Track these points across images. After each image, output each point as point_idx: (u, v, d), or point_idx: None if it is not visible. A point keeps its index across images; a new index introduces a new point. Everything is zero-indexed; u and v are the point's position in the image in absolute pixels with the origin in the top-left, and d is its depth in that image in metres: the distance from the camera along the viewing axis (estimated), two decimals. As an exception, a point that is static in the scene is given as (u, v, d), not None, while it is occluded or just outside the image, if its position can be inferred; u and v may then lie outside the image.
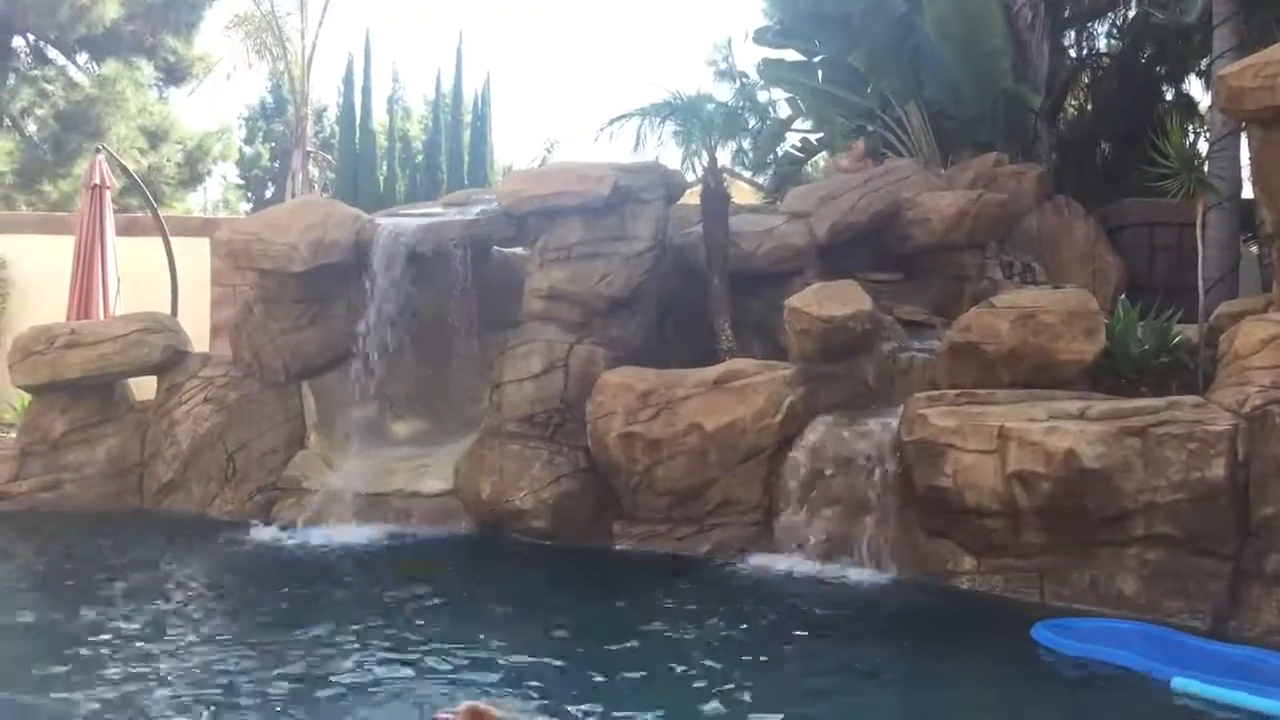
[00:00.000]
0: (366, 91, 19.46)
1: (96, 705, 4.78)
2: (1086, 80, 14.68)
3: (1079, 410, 6.84)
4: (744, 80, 15.45)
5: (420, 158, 21.18)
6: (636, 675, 5.28)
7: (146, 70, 22.20)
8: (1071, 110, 14.62)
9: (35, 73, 21.87)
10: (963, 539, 7.09)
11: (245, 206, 30.39)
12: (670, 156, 10.53)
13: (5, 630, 6.09)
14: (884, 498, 7.52)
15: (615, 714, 4.70)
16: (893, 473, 7.47)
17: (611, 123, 10.31)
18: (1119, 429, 6.56)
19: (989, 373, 7.65)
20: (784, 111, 14.50)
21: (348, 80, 19.53)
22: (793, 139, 14.57)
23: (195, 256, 13.38)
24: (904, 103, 12.21)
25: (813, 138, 14.29)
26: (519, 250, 10.03)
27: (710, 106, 10.30)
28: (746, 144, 14.37)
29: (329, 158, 22.28)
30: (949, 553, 7.15)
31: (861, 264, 9.85)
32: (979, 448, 6.87)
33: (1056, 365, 7.56)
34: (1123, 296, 9.01)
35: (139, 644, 5.70)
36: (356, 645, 5.73)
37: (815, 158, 14.86)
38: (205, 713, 4.72)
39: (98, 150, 13.48)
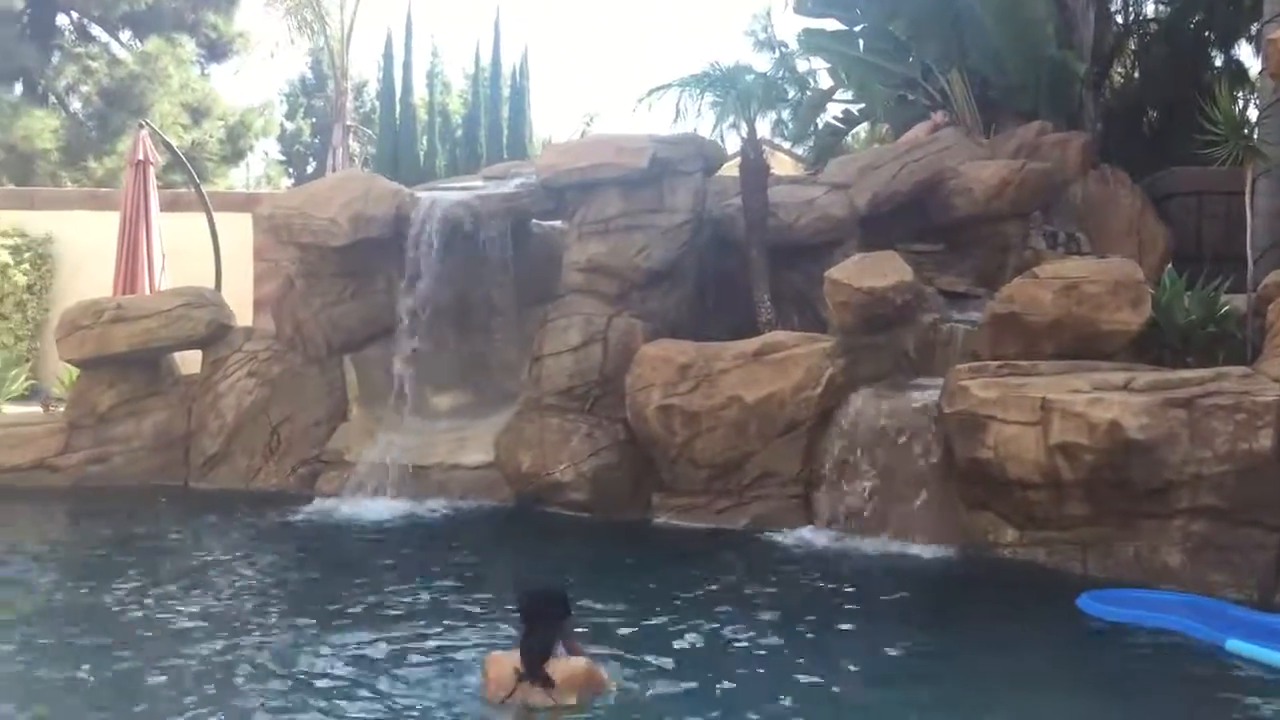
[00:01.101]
0: (406, 66, 19.49)
1: (153, 676, 4.88)
2: (1133, 46, 14.39)
3: (1124, 381, 6.75)
4: (783, 50, 15.28)
5: (459, 132, 21.21)
6: (681, 647, 5.28)
7: (188, 47, 22.37)
8: (1118, 77, 14.35)
9: (79, 50, 22.10)
10: (1004, 511, 7.05)
11: (287, 182, 30.61)
12: (709, 128, 10.44)
13: (59, 602, 6.22)
14: (924, 470, 7.48)
15: (659, 684, 4.71)
16: (933, 445, 7.42)
17: (650, 94, 10.27)
18: (1164, 400, 6.48)
19: (1032, 344, 7.56)
20: (824, 82, 14.33)
21: (387, 55, 19.56)
22: (833, 110, 14.42)
23: (238, 231, 13.54)
24: (946, 71, 12.04)
25: (854, 108, 14.14)
26: (558, 223, 10.02)
27: (749, 77, 10.21)
28: (786, 115, 14.25)
29: (369, 132, 22.36)
30: (990, 524, 7.10)
31: (902, 235, 9.76)
32: (1021, 419, 6.81)
33: (1101, 336, 7.47)
34: (1169, 266, 8.85)
35: (191, 614, 5.81)
36: (401, 615, 5.80)
37: (856, 128, 14.71)
38: (253, 678, 4.80)
39: (141, 126, 13.63)
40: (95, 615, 5.83)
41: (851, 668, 5.08)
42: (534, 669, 4.25)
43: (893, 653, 5.30)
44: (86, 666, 4.95)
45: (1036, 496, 6.84)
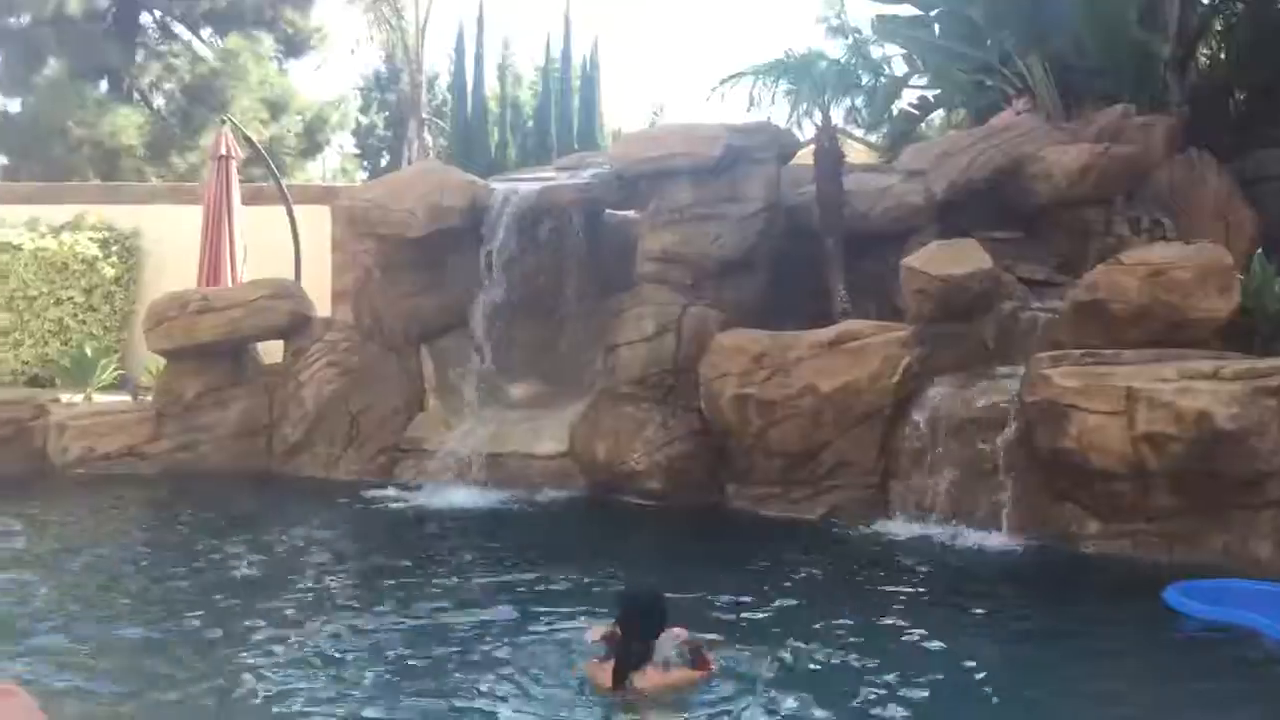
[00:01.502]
0: (478, 59, 19.67)
1: (245, 657, 5.00)
2: (1219, 27, 13.99)
3: (1212, 370, 6.60)
4: (857, 36, 15.13)
5: (530, 123, 21.36)
6: (763, 638, 5.25)
7: (267, 43, 22.78)
8: (1203, 59, 13.96)
9: (162, 48, 22.62)
10: (1088, 502, 6.93)
11: (362, 175, 31.02)
12: (783, 116, 10.41)
13: (152, 586, 6.40)
14: (1004, 460, 7.36)
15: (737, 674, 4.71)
16: (1014, 435, 7.32)
17: (723, 83, 10.29)
18: (1255, 389, 6.32)
19: (1116, 332, 7.41)
20: (899, 68, 14.15)
21: (459, 48, 19.77)
22: (908, 96, 14.23)
23: (316, 224, 13.76)
24: (1025, 55, 11.81)
25: (929, 94, 13.94)
26: (631, 213, 10.04)
27: (823, 64, 10.18)
28: (859, 102, 14.09)
29: (443, 124, 22.61)
30: (1073, 516, 6.99)
31: (980, 222, 9.58)
32: (1106, 409, 6.68)
33: (1188, 324, 7.30)
34: (1258, 251, 8.61)
35: (281, 600, 5.94)
36: (484, 601, 5.87)
37: (931, 115, 14.51)
38: (343, 662, 4.90)
39: (223, 122, 13.94)
40: (200, 596, 6.00)
41: (926, 661, 5.00)
42: (619, 679, 4.23)
43: (968, 643, 5.23)
44: (195, 655, 5.09)
45: (1121, 488, 6.71)
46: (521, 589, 6.10)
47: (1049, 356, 7.29)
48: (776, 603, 5.84)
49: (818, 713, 4.30)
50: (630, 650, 4.26)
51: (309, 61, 24.78)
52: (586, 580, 6.28)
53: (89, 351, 13.02)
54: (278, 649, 5.09)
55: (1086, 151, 9.67)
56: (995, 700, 4.56)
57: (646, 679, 4.21)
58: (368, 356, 10.03)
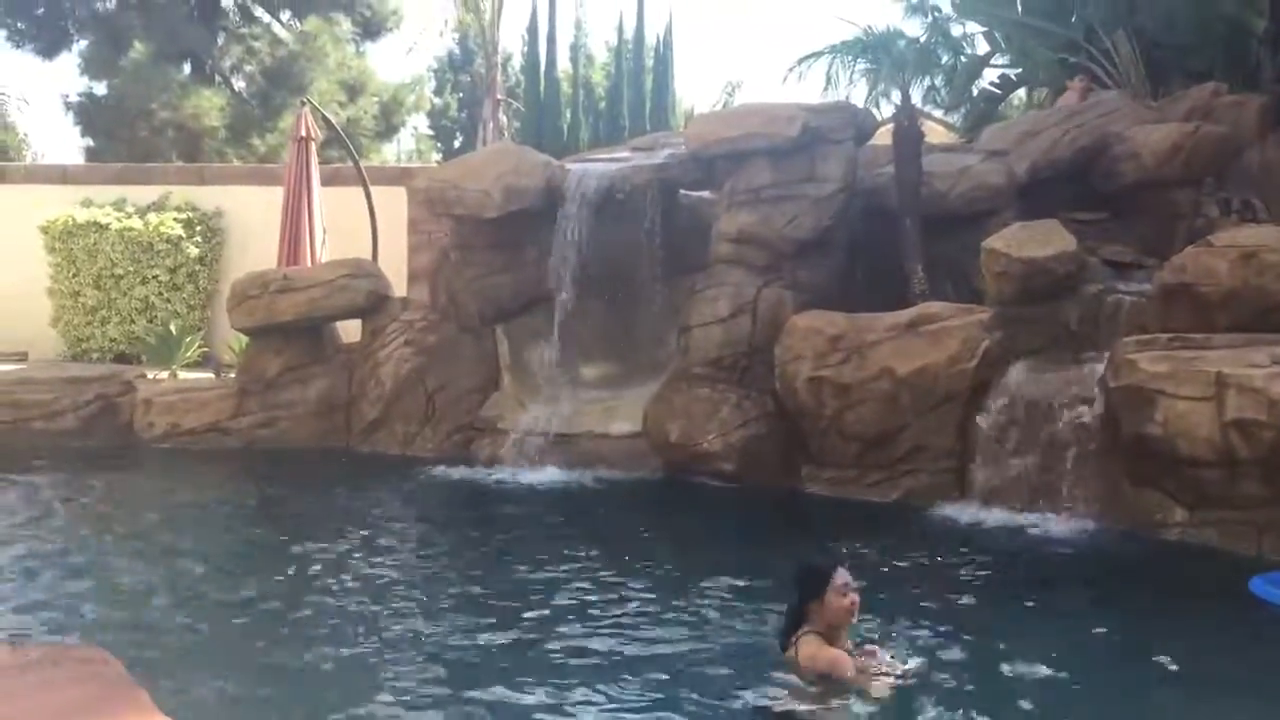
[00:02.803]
0: (551, 39, 19.68)
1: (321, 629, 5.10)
2: (1316, 1, 13.54)
3: (1306, 356, 6.40)
4: (936, 14, 14.86)
5: (603, 104, 21.34)
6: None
7: (344, 25, 23.05)
8: (1298, 35, 13.53)
9: (243, 31, 22.99)
10: (1173, 489, 6.78)
11: (436, 157, 31.30)
12: (861, 96, 10.31)
13: (233, 557, 6.56)
14: (1087, 446, 7.24)
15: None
16: (1097, 420, 7.18)
17: (800, 62, 10.17)
18: (1352, 376, 6.12)
19: (1205, 316, 7.23)
20: (980, 46, 13.91)
21: (532, 29, 19.79)
22: (989, 75, 14.00)
23: (392, 205, 13.91)
24: (1111, 31, 11.54)
25: (1011, 73, 13.69)
26: (706, 194, 10.01)
27: (902, 43, 9.99)
28: (939, 82, 13.86)
29: (516, 104, 22.71)
30: (1158, 503, 6.85)
31: (1064, 203, 9.39)
32: (1194, 395, 6.53)
33: (1280, 308, 7.08)
34: (1355, 234, 8.32)
35: (364, 575, 6.07)
36: (566, 578, 5.94)
37: (1013, 94, 14.25)
38: (424, 634, 4.98)
39: (303, 104, 14.14)
40: (295, 565, 6.16)
41: (1006, 651, 4.90)
42: (783, 639, 4.34)
43: (1049, 631, 5.16)
44: (277, 625, 5.20)
45: (1209, 475, 6.56)
46: (596, 571, 6.14)
47: (1135, 341, 7.14)
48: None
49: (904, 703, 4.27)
50: (787, 613, 4.41)
51: (387, 43, 25.04)
52: (670, 560, 6.33)
53: (174, 329, 13.33)
54: (362, 617, 5.20)
55: (1175, 131, 9.43)
56: (1077, 687, 4.48)
57: (800, 648, 4.25)
58: (444, 336, 10.14)
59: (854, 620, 4.31)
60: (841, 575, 4.29)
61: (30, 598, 5.48)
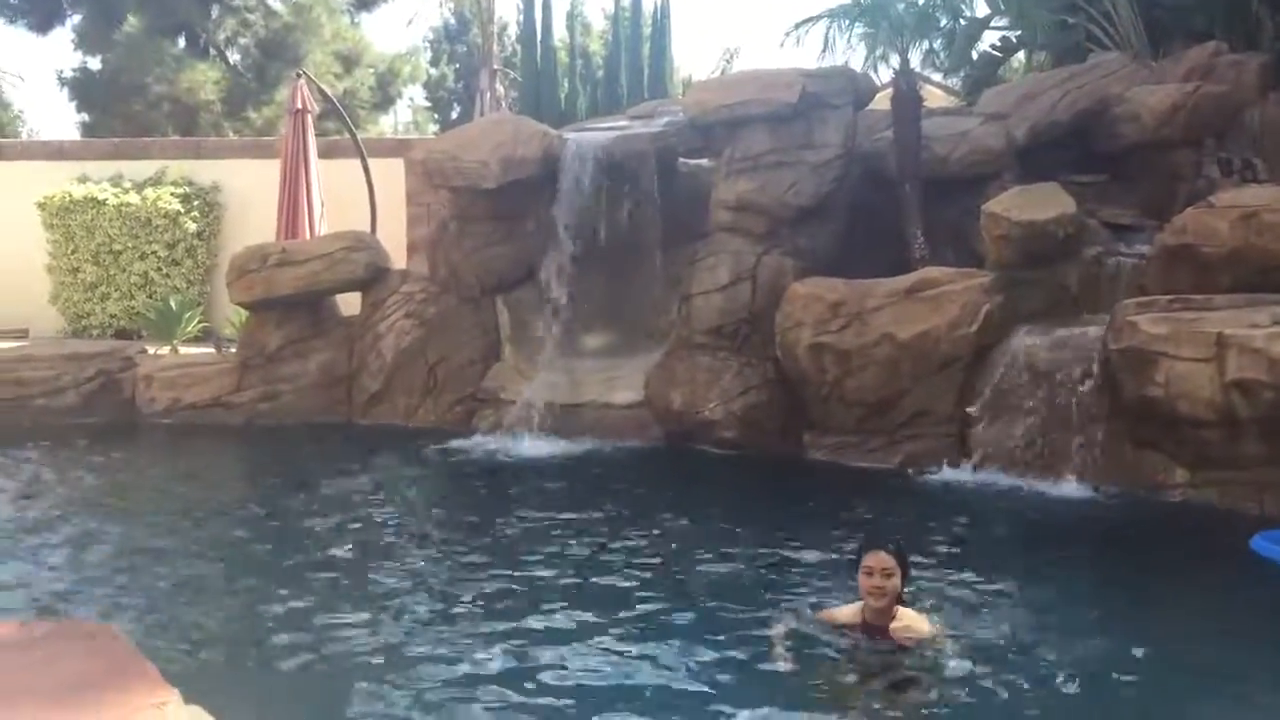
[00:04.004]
0: (547, 8, 19.53)
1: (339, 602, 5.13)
2: (1317, -42, 13.41)
3: (1307, 315, 6.39)
4: (934, -23, 14.74)
5: (600, 72, 21.21)
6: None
7: (338, -4, 22.94)
8: (1299, -8, 13.41)
9: (237, 3, 22.83)
10: (1174, 450, 6.80)
11: (433, 128, 31.17)
12: (859, 61, 10.21)
13: (238, 532, 6.58)
14: (1088, 408, 7.25)
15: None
16: (1098, 382, 7.18)
17: (798, 27, 10.06)
18: (1353, 335, 6.11)
19: (1206, 277, 7.21)
20: (980, 9, 13.76)
21: (527, -1, 19.63)
22: (989, 38, 13.87)
23: (390, 176, 13.88)
24: (1110, -8, 11.44)
25: (1011, 36, 13.57)
26: (705, 161, 9.96)
27: (900, 6, 9.88)
28: (938, 45, 13.75)
29: (514, 74, 22.58)
30: (1159, 464, 6.87)
31: (1063, 166, 9.35)
32: (1194, 356, 6.53)
33: (1282, 268, 7.06)
34: (1357, 193, 8.29)
35: (372, 545, 6.12)
36: (572, 546, 5.99)
37: (1013, 57, 14.13)
38: (424, 605, 5.01)
39: (298, 76, 14.07)
40: (299, 538, 6.21)
41: (1009, 613, 4.94)
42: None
43: (1053, 593, 5.19)
44: (280, 596, 5.23)
45: (1210, 435, 6.57)
46: (602, 541, 6.18)
47: (1135, 303, 7.13)
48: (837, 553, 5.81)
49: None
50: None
51: (381, 14, 24.87)
52: (682, 526, 6.36)
53: (174, 304, 13.33)
54: (371, 587, 5.24)
55: (1175, 91, 9.36)
56: (1081, 647, 4.51)
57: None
58: (444, 308, 10.12)
59: (880, 603, 4.25)
60: (870, 558, 4.29)
61: (36, 573, 5.51)
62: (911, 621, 4.29)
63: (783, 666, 4.24)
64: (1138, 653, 4.47)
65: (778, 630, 4.47)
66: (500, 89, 20.03)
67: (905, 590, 4.37)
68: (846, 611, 4.43)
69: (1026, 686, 4.10)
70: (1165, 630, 4.75)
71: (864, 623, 4.31)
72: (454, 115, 31.18)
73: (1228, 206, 7.29)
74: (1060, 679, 4.18)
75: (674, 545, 6.05)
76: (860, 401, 8.15)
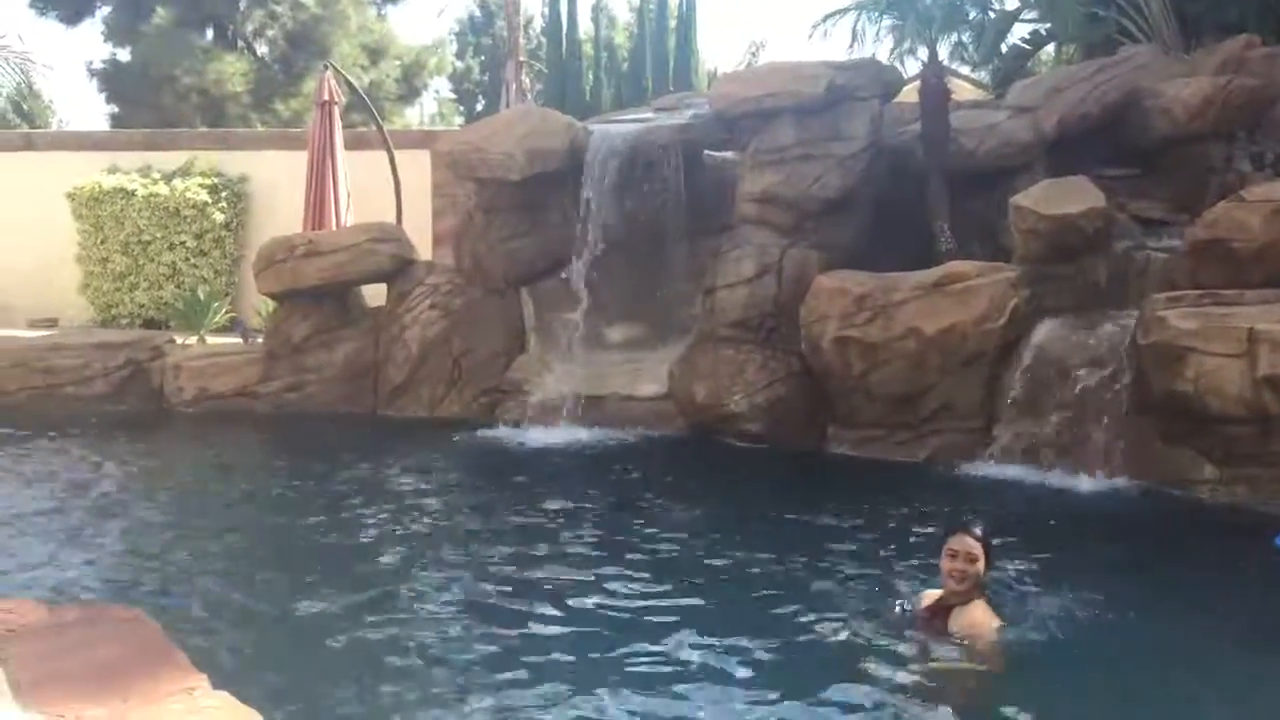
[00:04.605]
0: (572, 1, 19.54)
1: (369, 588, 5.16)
2: (1353, -50, 13.23)
3: (1341, 311, 6.32)
4: (963, -31, 14.64)
5: (625, 65, 21.20)
6: (886, 587, 5.23)
7: (365, -12, 22.99)
8: (1334, -15, 13.23)
9: (264, -5, 22.95)
10: (1203, 447, 6.75)
11: (458, 120, 31.21)
12: (886, 53, 10.17)
13: (264, 519, 6.63)
14: (1116, 403, 7.20)
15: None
16: (1126, 378, 7.13)
17: (825, 19, 10.05)
18: (1388, 331, 6.04)
19: (1237, 272, 7.14)
20: (1010, 2, 13.67)
21: (553, -10, 19.64)
22: (1019, 31, 13.76)
23: (415, 168, 13.91)
24: (1142, -16, 11.32)
25: (1041, 28, 13.46)
26: (730, 154, 9.94)
27: (928, -1, 9.84)
28: (966, 38, 13.67)
29: (539, 66, 22.59)
30: (1188, 461, 6.82)
31: (1093, 160, 9.27)
32: (1225, 351, 6.48)
33: (1315, 264, 6.99)
34: (1392, 188, 8.18)
35: (399, 534, 6.16)
36: (600, 535, 6.05)
37: (1042, 50, 14.03)
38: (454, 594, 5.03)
39: (325, 68, 14.12)
40: (326, 528, 6.23)
41: (1033, 610, 4.87)
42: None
43: (1080, 590, 5.12)
44: (311, 583, 5.27)
45: (1239, 432, 6.52)
46: (624, 531, 6.19)
47: (1165, 297, 7.07)
48: (890, 547, 5.82)
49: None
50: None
51: (407, 7, 24.95)
52: (697, 525, 6.35)
53: (201, 295, 13.43)
54: (400, 574, 5.27)
55: (1207, 84, 9.27)
56: (1112, 643, 4.48)
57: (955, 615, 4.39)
58: (469, 299, 10.14)
59: (960, 586, 4.30)
60: (954, 541, 4.34)
61: (67, 559, 5.56)
62: (977, 619, 4.29)
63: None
64: (1157, 646, 4.46)
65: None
66: (526, 81, 20.03)
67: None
68: (934, 593, 4.47)
69: (1056, 681, 4.07)
70: (1186, 626, 4.72)
71: (935, 604, 4.36)
72: (479, 108, 31.21)
73: (1260, 201, 7.22)
74: (1088, 676, 4.16)
75: (705, 536, 6.05)
76: (885, 395, 8.13)
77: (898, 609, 4.59)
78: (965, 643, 4.24)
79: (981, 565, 4.30)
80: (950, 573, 4.31)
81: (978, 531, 4.35)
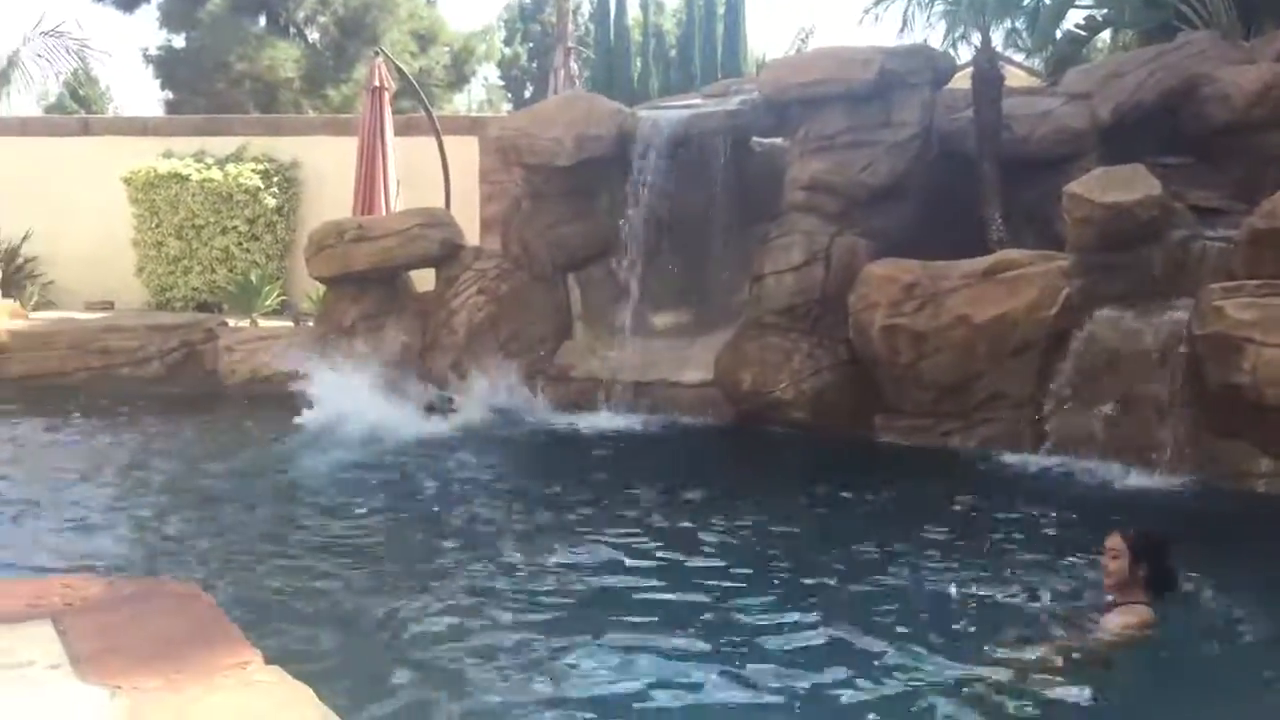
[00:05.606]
0: (620, -14, 19.50)
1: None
2: None
3: (1404, 302, 6.18)
4: (1018, -47, 14.43)
5: (673, 52, 21.14)
6: (937, 575, 5.22)
7: (415, -26, 23.10)
8: (1401, -31, 12.89)
9: (316, -18, 23.14)
10: (1259, 439, 6.64)
11: (506, 107, 31.32)
12: (939, 39, 10.09)
13: (320, 498, 6.71)
14: (1168, 395, 7.09)
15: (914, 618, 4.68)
16: (1181, 368, 7.02)
17: (876, 4, 9.99)
18: None
19: (1296, 262, 7.00)
20: (1064, -13, 13.45)
21: (601, -25, 19.61)
22: (1073, 17, 13.54)
23: (463, 154, 13.95)
24: (1201, -31, 11.11)
25: (1097, 14, 13.24)
26: (779, 140, 9.89)
27: (982, -16, 9.73)
28: (1020, 24, 13.49)
29: (587, 52, 22.58)
30: (1243, 454, 6.71)
31: (1148, 147, 9.10)
32: (1283, 342, 6.35)
33: (1377, 254, 6.83)
34: None
35: (451, 519, 6.25)
36: (654, 520, 6.08)
37: (1097, 36, 13.80)
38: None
39: (376, 54, 14.20)
40: (387, 507, 6.35)
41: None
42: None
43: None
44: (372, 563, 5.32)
45: (1297, 425, 6.39)
46: (669, 517, 6.20)
47: (1222, 287, 6.95)
48: (947, 537, 5.82)
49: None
50: None
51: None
52: (745, 511, 6.35)
53: (254, 279, 13.58)
54: (455, 556, 5.36)
55: (1266, 71, 9.08)
56: (1166, 638, 4.42)
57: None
58: (516, 285, 10.18)
59: (1107, 581, 4.40)
60: (1107, 538, 4.44)
61: (124, 534, 5.67)
62: (1124, 617, 4.29)
63: None
64: (1215, 639, 4.42)
65: None
66: (574, 68, 20.03)
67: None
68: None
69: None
70: (1232, 620, 4.65)
71: (1108, 603, 4.42)
72: (527, 95, 31.29)
73: (1320, 189, 7.06)
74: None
75: (759, 524, 6.06)
76: (934, 384, 8.06)
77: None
78: (1097, 638, 4.25)
79: (1123, 563, 4.34)
80: (1104, 568, 4.43)
81: (1126, 531, 4.44)
